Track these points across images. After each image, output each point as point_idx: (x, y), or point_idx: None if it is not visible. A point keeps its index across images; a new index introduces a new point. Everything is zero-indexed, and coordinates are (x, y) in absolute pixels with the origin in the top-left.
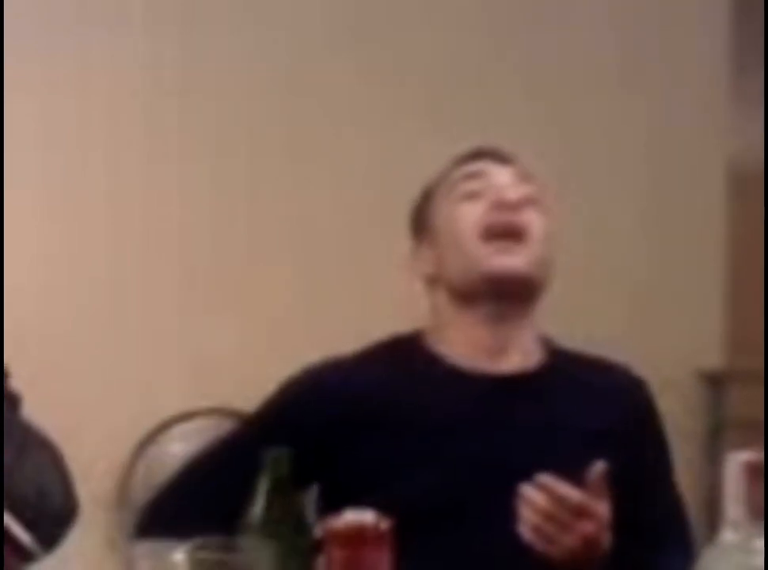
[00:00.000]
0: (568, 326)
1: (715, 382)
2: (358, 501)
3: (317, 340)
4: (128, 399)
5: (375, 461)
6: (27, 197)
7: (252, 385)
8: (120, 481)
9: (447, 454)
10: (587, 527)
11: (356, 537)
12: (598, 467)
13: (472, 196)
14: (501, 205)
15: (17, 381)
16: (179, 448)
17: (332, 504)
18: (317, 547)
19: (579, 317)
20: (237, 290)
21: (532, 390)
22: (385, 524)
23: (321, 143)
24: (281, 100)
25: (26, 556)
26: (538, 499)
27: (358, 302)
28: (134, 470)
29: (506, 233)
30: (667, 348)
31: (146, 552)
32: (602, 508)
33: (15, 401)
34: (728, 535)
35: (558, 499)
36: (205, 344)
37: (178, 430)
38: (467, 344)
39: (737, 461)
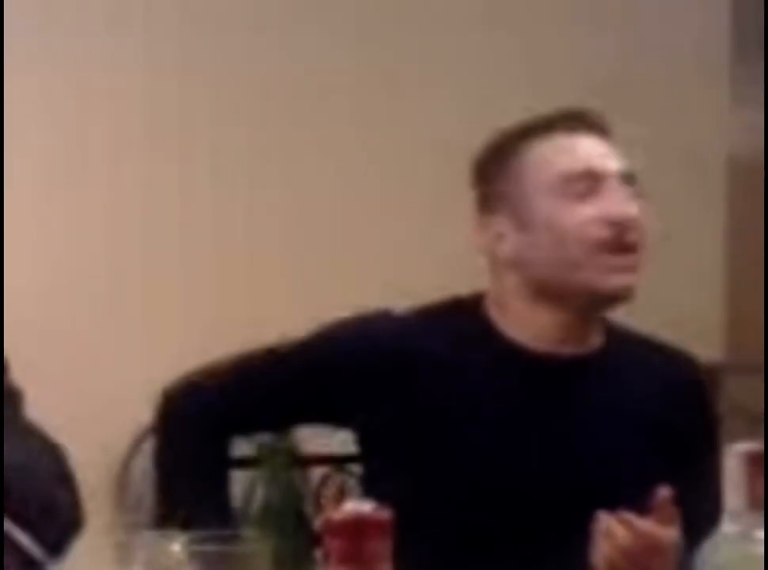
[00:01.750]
0: None
1: (714, 374)
2: (400, 479)
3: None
4: (126, 393)
5: (424, 437)
6: (26, 196)
7: None
8: (118, 476)
9: (497, 437)
10: (656, 563)
11: (356, 527)
12: (664, 492)
13: (581, 197)
14: (619, 223)
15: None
16: None
17: (370, 453)
18: (317, 538)
19: None
20: (238, 284)
21: (592, 373)
22: (385, 514)
23: (321, 141)
24: (281, 98)
25: (33, 565)
26: (620, 534)
27: (359, 294)
28: (131, 465)
29: (622, 250)
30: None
31: (143, 542)
32: (670, 535)
33: (17, 398)
34: (727, 526)
35: (638, 535)
36: (204, 340)
37: None
38: (531, 327)
39: (736, 453)
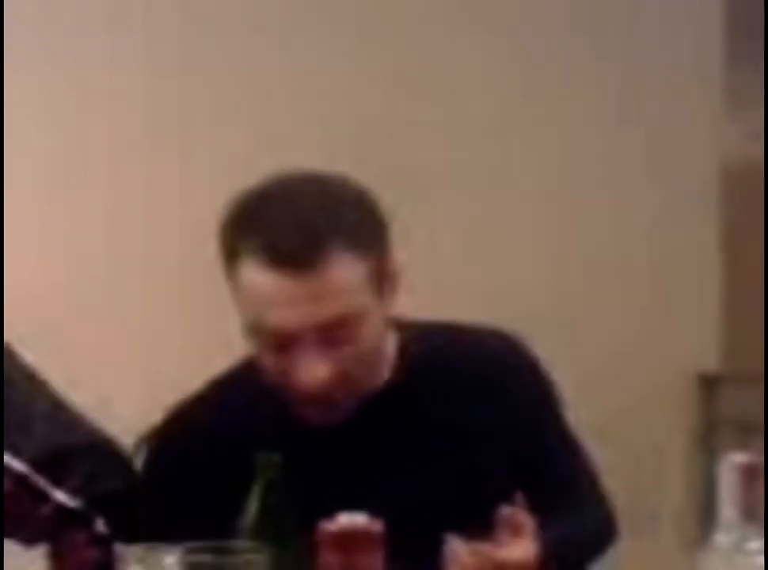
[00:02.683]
0: (564, 329)
1: (711, 384)
2: None
3: None
4: (127, 396)
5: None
6: (26, 196)
7: None
8: None
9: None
10: None
11: (349, 540)
12: (504, 511)
13: (269, 350)
14: (310, 394)
15: None
16: None
17: None
18: (311, 550)
19: (576, 321)
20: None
21: (382, 412)
22: (377, 527)
23: (322, 141)
24: (282, 98)
25: (104, 546)
26: (468, 560)
27: None
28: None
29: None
30: (664, 351)
31: (136, 555)
32: (521, 550)
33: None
34: (722, 537)
35: (486, 560)
36: (206, 342)
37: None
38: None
39: (732, 463)
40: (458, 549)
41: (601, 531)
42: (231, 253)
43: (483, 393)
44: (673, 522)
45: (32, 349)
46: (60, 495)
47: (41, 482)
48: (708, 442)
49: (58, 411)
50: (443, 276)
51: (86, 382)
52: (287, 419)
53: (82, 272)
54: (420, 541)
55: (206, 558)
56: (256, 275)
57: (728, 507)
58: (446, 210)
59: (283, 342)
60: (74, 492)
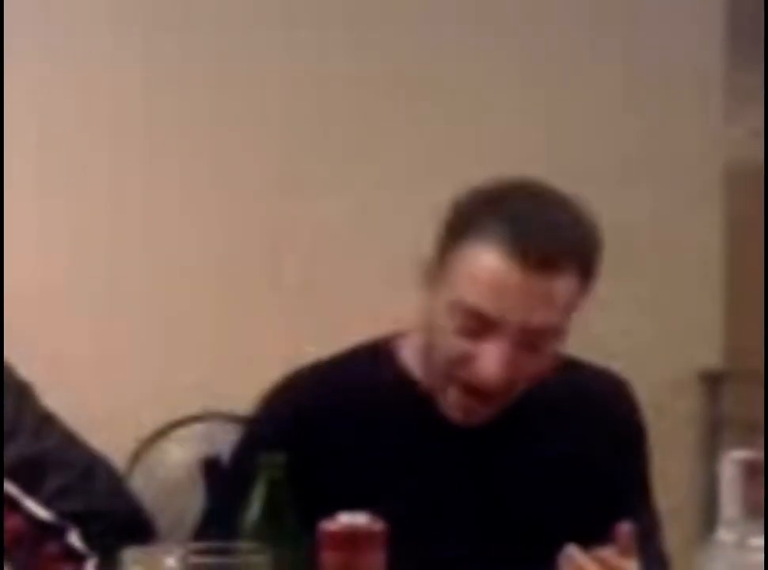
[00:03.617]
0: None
1: (714, 382)
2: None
3: (314, 342)
4: (126, 405)
5: (334, 496)
6: (26, 197)
7: (251, 389)
8: None
9: (401, 504)
10: None
11: (350, 539)
12: (625, 527)
13: (468, 333)
14: (476, 388)
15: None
16: (177, 454)
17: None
18: (313, 550)
19: (576, 320)
20: (230, 294)
21: (501, 436)
22: (378, 526)
23: (323, 140)
24: (281, 95)
25: (79, 562)
26: (590, 567)
27: (351, 302)
28: (131, 476)
29: (475, 395)
30: (667, 348)
31: (136, 557)
32: (632, 568)
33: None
34: (724, 534)
35: (607, 567)
36: (204, 349)
37: (176, 435)
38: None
39: (734, 460)
40: (576, 554)
41: None
42: (466, 228)
43: (585, 425)
44: (676, 519)
45: (28, 355)
46: (31, 505)
47: (13, 490)
48: (710, 440)
49: (45, 425)
50: None
51: (83, 390)
52: (419, 408)
53: (82, 275)
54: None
55: (207, 559)
56: (496, 261)
57: (729, 504)
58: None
59: (484, 329)
60: (46, 503)
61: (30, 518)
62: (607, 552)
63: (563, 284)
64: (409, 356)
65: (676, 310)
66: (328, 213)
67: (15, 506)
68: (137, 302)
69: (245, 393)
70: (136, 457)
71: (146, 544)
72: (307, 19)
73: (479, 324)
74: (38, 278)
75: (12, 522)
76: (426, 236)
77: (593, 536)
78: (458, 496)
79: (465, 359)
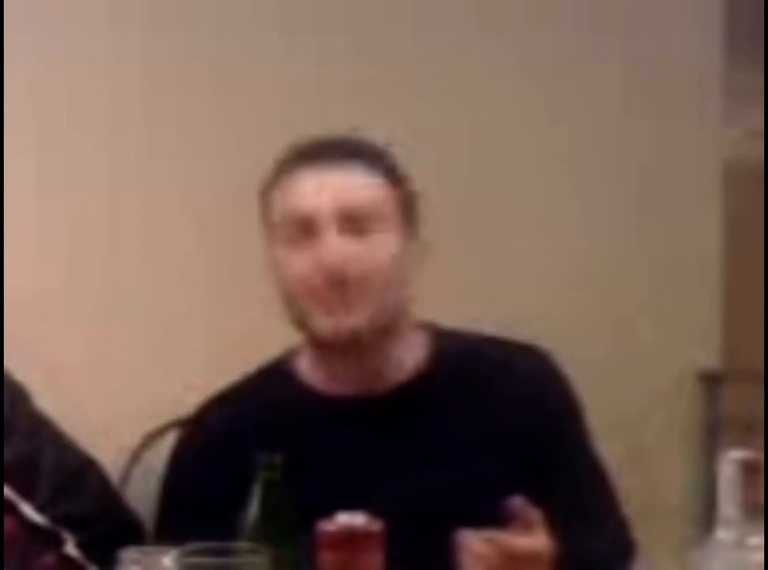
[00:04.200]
0: (565, 327)
1: (712, 382)
2: None
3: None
4: (123, 405)
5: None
6: (26, 197)
7: None
8: (118, 487)
9: (310, 491)
10: None
11: (348, 539)
12: (515, 502)
13: (296, 243)
14: (324, 271)
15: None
16: None
17: None
18: (311, 551)
19: (576, 319)
20: (231, 293)
21: (410, 406)
22: (376, 526)
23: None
24: (281, 95)
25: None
26: (484, 551)
27: None
28: (129, 477)
29: (332, 293)
30: (665, 349)
31: (133, 557)
32: (536, 542)
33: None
34: (722, 533)
35: (502, 550)
36: (201, 351)
37: (173, 436)
38: (327, 372)
39: (732, 460)
40: (470, 538)
41: (614, 555)
42: (279, 173)
43: (507, 399)
44: (674, 519)
45: (26, 354)
46: (26, 509)
47: (10, 493)
48: (709, 440)
49: (39, 427)
50: (453, 277)
51: (80, 391)
52: (310, 400)
53: (80, 277)
54: (424, 541)
55: (204, 560)
56: (294, 174)
57: (727, 504)
58: (450, 211)
59: (309, 231)
60: (40, 506)
61: (24, 522)
62: (501, 535)
63: (355, 172)
64: (305, 366)
65: (675, 311)
66: None
67: (10, 509)
68: (135, 307)
69: None
70: (135, 459)
71: (138, 546)
72: (307, 19)
73: (303, 229)
74: (35, 282)
75: (6, 525)
76: None
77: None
78: (379, 472)
79: (306, 270)
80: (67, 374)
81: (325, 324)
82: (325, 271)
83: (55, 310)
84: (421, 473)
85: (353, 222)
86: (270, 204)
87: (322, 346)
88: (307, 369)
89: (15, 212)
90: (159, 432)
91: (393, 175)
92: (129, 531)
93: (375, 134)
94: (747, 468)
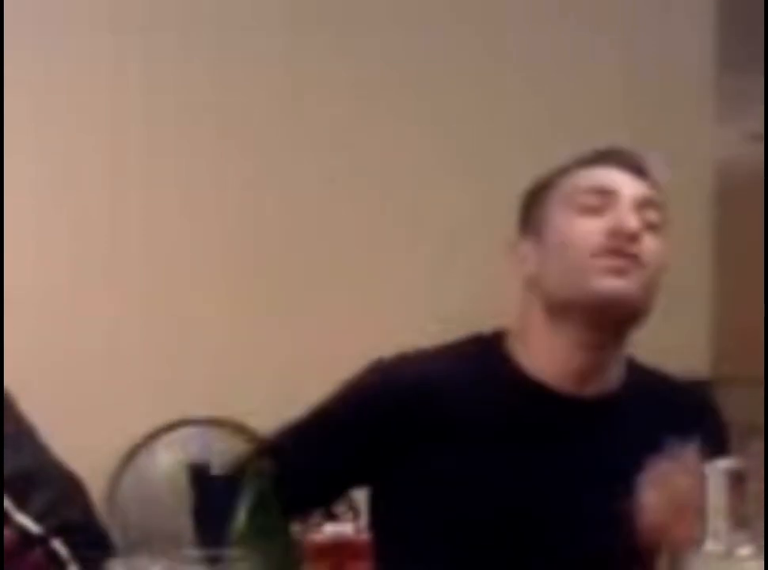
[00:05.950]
0: None
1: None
2: (409, 510)
3: (308, 350)
4: (116, 408)
5: (438, 471)
6: (25, 194)
7: (242, 394)
8: (108, 491)
9: (515, 477)
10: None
11: (337, 550)
12: (690, 447)
13: (591, 212)
14: (620, 233)
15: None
16: (167, 458)
17: (385, 509)
18: (301, 560)
19: None
20: (226, 298)
21: (610, 413)
22: (364, 537)
23: (325, 140)
24: (281, 95)
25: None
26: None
27: (351, 309)
28: (121, 480)
29: (619, 255)
30: (657, 354)
31: (120, 567)
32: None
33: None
34: (710, 545)
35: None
36: (195, 352)
37: (167, 439)
38: (552, 363)
39: (717, 470)
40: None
41: None
42: (587, 162)
43: (683, 422)
44: None
45: (22, 360)
46: (22, 519)
47: (5, 503)
48: None
49: (25, 438)
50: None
51: (74, 394)
52: (526, 382)
53: (81, 275)
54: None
55: (195, 568)
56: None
57: (715, 515)
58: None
59: (603, 204)
60: (36, 517)
61: (20, 531)
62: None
63: (648, 177)
64: (515, 345)
65: (667, 316)
66: (332, 216)
67: (6, 519)
68: (135, 307)
69: (235, 398)
70: (127, 460)
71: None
72: (308, 20)
73: (599, 200)
74: (37, 280)
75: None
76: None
77: None
78: (559, 470)
79: (599, 232)
80: (68, 373)
81: (605, 282)
82: (623, 233)
83: (54, 310)
84: (601, 480)
85: (643, 214)
86: (563, 181)
87: (572, 321)
88: (518, 352)
89: (15, 212)
90: (153, 436)
91: (658, 184)
92: (105, 541)
93: (375, 134)
94: (733, 477)
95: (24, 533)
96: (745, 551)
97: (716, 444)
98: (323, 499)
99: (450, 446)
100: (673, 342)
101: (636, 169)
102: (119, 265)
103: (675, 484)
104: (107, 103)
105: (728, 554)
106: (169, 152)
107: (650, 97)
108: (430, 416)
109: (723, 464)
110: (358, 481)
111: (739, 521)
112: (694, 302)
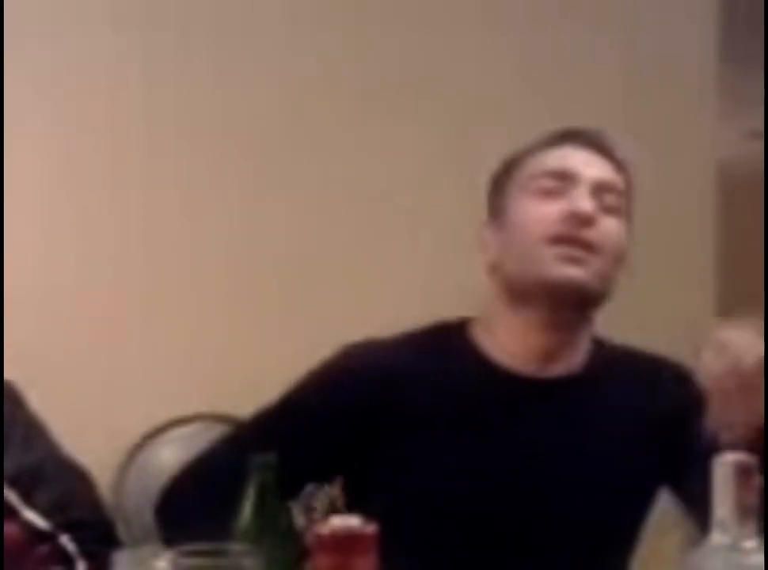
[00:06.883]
0: None
1: None
2: (382, 497)
3: (309, 349)
4: (120, 404)
5: (406, 458)
6: (26, 194)
7: (244, 390)
8: (113, 487)
9: (481, 459)
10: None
11: (343, 542)
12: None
13: (548, 195)
14: (574, 217)
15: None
16: (171, 453)
17: (357, 498)
18: (305, 553)
19: None
20: (226, 295)
21: (574, 394)
22: (371, 529)
23: (325, 141)
24: (281, 95)
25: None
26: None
27: (350, 306)
28: (126, 475)
29: (574, 243)
30: (659, 350)
31: (126, 559)
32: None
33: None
34: (716, 537)
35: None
36: (197, 349)
37: (170, 435)
38: (515, 346)
39: (724, 463)
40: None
41: None
42: (543, 145)
43: (657, 393)
44: (669, 523)
45: (25, 356)
46: (30, 515)
47: (12, 498)
48: None
49: (35, 435)
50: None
51: (77, 390)
52: (490, 367)
53: (82, 275)
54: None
55: (198, 561)
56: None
57: (722, 507)
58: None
59: (561, 187)
60: (44, 513)
61: (27, 527)
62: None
63: (611, 158)
64: (480, 332)
65: (669, 313)
66: (333, 216)
67: (12, 514)
68: (134, 306)
69: (236, 394)
70: (131, 456)
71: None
72: (308, 19)
73: (561, 183)
74: (38, 279)
75: (7, 529)
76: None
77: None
78: (525, 450)
79: (554, 217)
80: (68, 374)
81: (559, 271)
82: (577, 218)
83: (55, 310)
84: (579, 450)
85: (601, 197)
86: (524, 164)
87: (531, 305)
88: (483, 338)
89: (15, 212)
90: (157, 432)
91: (623, 164)
92: (113, 536)
93: (375, 134)
94: (740, 470)
95: (32, 529)
96: (751, 543)
97: (695, 410)
98: (293, 488)
99: (417, 433)
100: (677, 333)
101: (600, 149)
102: (119, 265)
103: (738, 355)
104: (107, 103)
105: (735, 546)
106: (169, 152)
107: (650, 96)
108: (397, 403)
109: (730, 457)
110: (331, 470)
111: (745, 513)
112: (696, 299)
